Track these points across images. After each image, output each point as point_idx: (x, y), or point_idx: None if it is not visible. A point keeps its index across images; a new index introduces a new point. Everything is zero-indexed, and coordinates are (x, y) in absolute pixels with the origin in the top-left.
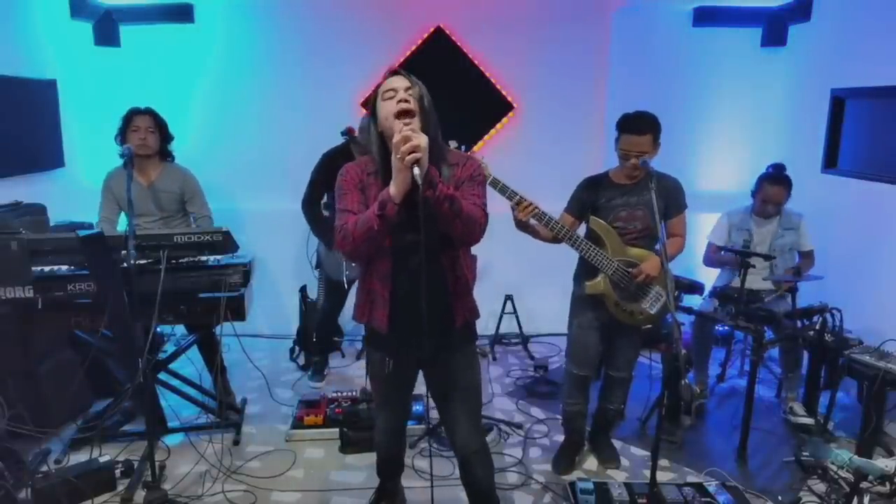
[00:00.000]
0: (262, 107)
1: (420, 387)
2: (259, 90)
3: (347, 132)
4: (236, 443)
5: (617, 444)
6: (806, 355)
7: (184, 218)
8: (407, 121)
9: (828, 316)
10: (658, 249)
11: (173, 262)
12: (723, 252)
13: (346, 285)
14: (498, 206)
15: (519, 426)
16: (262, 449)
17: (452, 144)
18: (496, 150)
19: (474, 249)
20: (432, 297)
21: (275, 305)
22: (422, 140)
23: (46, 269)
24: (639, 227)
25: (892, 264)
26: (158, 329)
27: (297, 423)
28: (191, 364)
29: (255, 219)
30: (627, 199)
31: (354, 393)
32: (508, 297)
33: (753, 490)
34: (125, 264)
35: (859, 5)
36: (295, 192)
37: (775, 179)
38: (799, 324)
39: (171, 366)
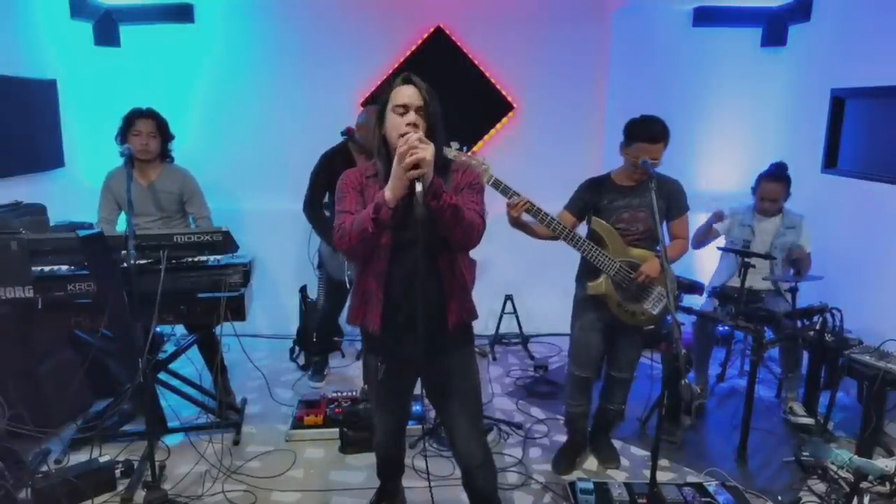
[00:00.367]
0: (263, 106)
1: (419, 387)
2: (259, 90)
3: (347, 132)
4: (236, 443)
5: (617, 444)
6: (806, 355)
7: (183, 218)
8: (416, 133)
9: (828, 316)
10: (660, 251)
11: (173, 262)
12: (721, 249)
13: (347, 285)
14: (499, 207)
15: (519, 426)
16: (262, 449)
17: (454, 146)
18: (496, 150)
19: (474, 251)
20: (427, 297)
21: (275, 305)
22: (427, 153)
23: (46, 269)
24: (641, 228)
25: (892, 264)
26: (158, 329)
27: (297, 423)
28: (191, 364)
29: (255, 219)
30: (630, 201)
31: (354, 393)
32: (508, 297)
33: (753, 490)
34: (125, 264)
35: (859, 5)
36: (295, 192)
37: (773, 177)
38: (799, 324)
39: (171, 366)
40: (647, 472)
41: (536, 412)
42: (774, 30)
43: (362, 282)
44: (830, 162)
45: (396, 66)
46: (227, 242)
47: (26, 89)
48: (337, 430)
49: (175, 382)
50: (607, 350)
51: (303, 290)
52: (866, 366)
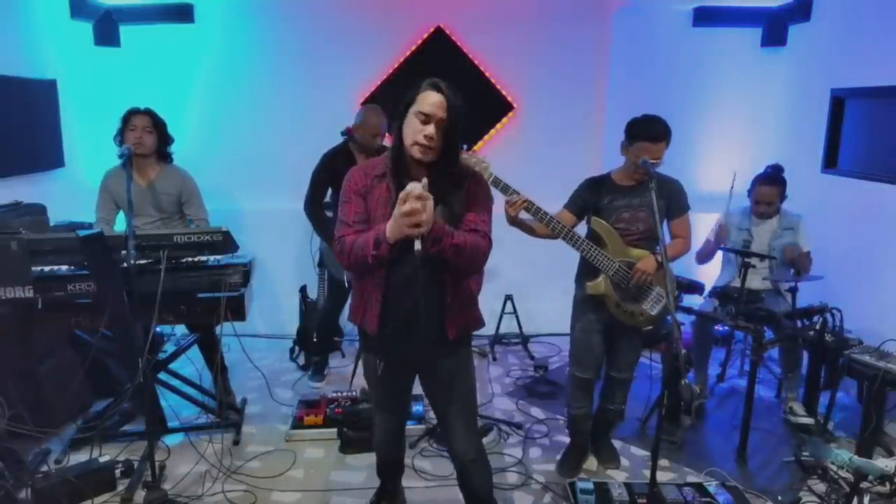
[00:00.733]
0: (262, 106)
1: (419, 387)
2: (259, 90)
3: (347, 132)
4: (236, 443)
5: (617, 444)
6: (806, 355)
7: (181, 220)
8: (419, 192)
9: (828, 316)
10: (659, 251)
11: (173, 262)
12: (722, 249)
13: (346, 284)
14: (499, 207)
15: (519, 426)
16: (262, 449)
17: None
18: (496, 150)
19: None
20: (428, 308)
21: (274, 305)
22: (426, 214)
23: (46, 269)
24: (641, 228)
25: (892, 264)
26: (158, 329)
27: (297, 423)
28: (191, 364)
29: (254, 219)
30: (630, 201)
31: (354, 393)
32: (508, 297)
33: (753, 490)
34: (125, 264)
35: (859, 5)
36: (294, 192)
37: (768, 180)
38: (799, 324)
39: (171, 366)
40: (647, 472)
41: (536, 412)
42: (774, 30)
43: (361, 283)
44: (830, 162)
45: (396, 66)
46: (227, 242)
47: (26, 89)
48: (337, 430)
49: (175, 382)
50: (607, 351)
51: (303, 290)
52: (866, 366)
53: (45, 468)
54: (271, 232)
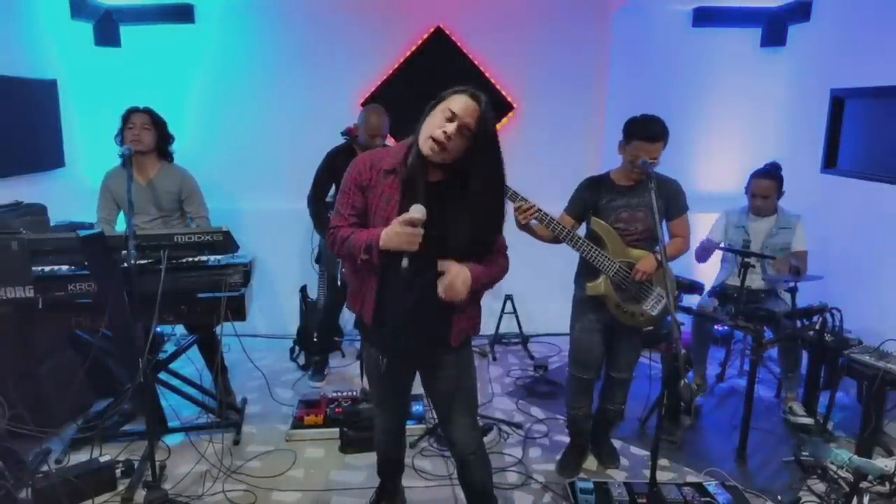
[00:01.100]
0: (263, 107)
1: (420, 387)
2: (259, 90)
3: (347, 132)
4: (236, 443)
5: (617, 444)
6: (805, 355)
7: (182, 218)
8: (412, 230)
9: (827, 316)
10: (658, 251)
11: (174, 262)
12: (722, 248)
13: (338, 282)
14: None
15: (519, 426)
16: (262, 449)
17: None
18: None
19: None
20: (426, 302)
21: (274, 305)
22: (414, 243)
23: (47, 269)
24: (640, 228)
25: (892, 264)
26: (159, 329)
27: (298, 423)
28: (191, 364)
29: (255, 219)
30: (629, 201)
31: (354, 393)
32: (508, 297)
33: (753, 490)
34: (125, 264)
35: (859, 5)
36: (294, 192)
37: (763, 174)
38: (799, 324)
39: (172, 366)
40: (647, 472)
41: (536, 412)
42: (774, 30)
43: (357, 275)
44: (830, 162)
45: (396, 66)
46: (227, 242)
47: (27, 89)
48: (337, 429)
49: (175, 382)
50: (607, 351)
51: (303, 290)
52: (866, 366)
53: (45, 468)
54: (271, 232)
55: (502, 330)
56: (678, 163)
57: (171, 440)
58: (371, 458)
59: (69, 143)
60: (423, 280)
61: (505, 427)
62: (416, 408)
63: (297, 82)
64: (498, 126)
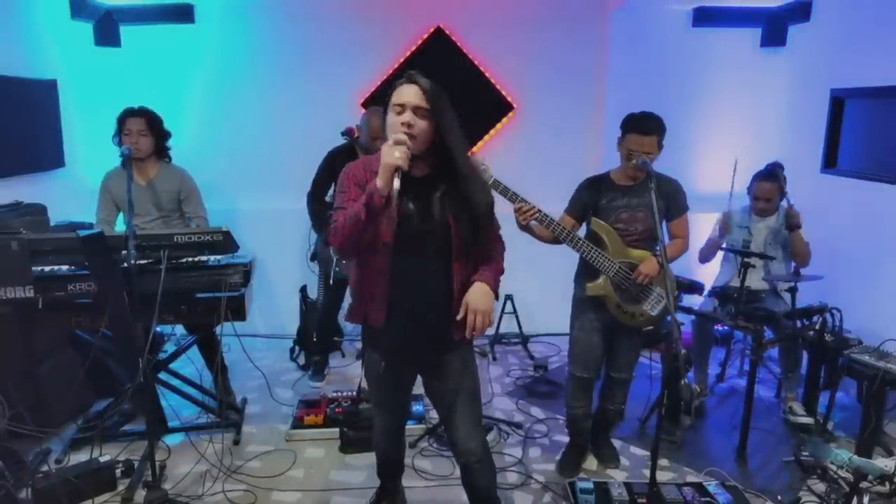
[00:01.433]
0: (263, 107)
1: (420, 387)
2: (259, 90)
3: (347, 133)
4: (236, 443)
5: (617, 443)
6: (806, 355)
7: (181, 218)
8: (400, 137)
9: (827, 316)
10: (658, 251)
11: (174, 262)
12: (722, 249)
13: (331, 281)
14: (499, 207)
15: (519, 426)
16: (262, 449)
17: None
18: (496, 151)
19: None
20: (433, 302)
21: (274, 305)
22: (399, 160)
23: (47, 269)
24: (640, 228)
25: (892, 264)
26: (159, 329)
27: (298, 423)
28: (191, 364)
29: (255, 219)
30: (629, 201)
31: (354, 393)
32: (508, 297)
33: (753, 490)
34: (125, 264)
35: (859, 5)
36: (295, 192)
37: (766, 176)
38: (799, 324)
39: (172, 366)
40: (647, 472)
41: (536, 412)
42: (774, 30)
43: (364, 281)
44: (830, 162)
45: (396, 66)
46: (227, 242)
47: (26, 89)
48: (337, 429)
49: (175, 382)
50: (607, 350)
51: (303, 290)
52: (866, 366)
53: (45, 468)
54: (271, 232)
55: (502, 330)
56: (678, 163)
57: (171, 440)
58: (371, 458)
59: (69, 143)
60: (430, 278)
61: (505, 427)
62: (416, 408)
63: (297, 82)
64: (498, 126)
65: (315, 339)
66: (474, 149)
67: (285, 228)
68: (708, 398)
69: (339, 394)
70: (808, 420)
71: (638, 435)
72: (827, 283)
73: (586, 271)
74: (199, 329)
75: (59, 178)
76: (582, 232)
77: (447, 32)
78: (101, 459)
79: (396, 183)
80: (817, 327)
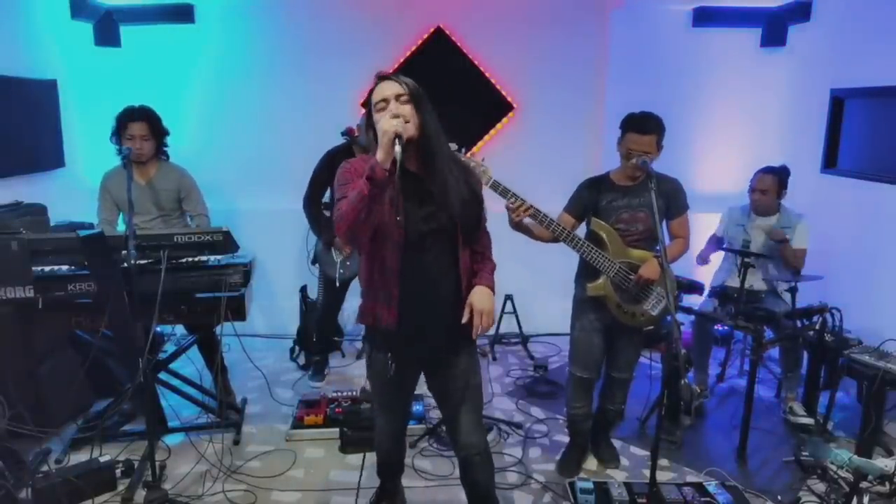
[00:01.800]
0: (262, 107)
1: (420, 387)
2: (259, 90)
3: (347, 132)
4: (236, 442)
5: (617, 443)
6: (806, 355)
7: (181, 217)
8: (396, 112)
9: (827, 316)
10: (659, 251)
11: (174, 261)
12: (723, 249)
13: (337, 283)
14: (499, 207)
15: (519, 426)
16: (262, 449)
17: (452, 147)
18: (496, 151)
19: None
20: (443, 298)
21: (274, 305)
22: (398, 126)
23: (47, 269)
24: (640, 228)
25: (892, 264)
26: (158, 329)
27: (298, 423)
28: (191, 364)
29: (254, 219)
30: (629, 201)
31: (354, 393)
32: (508, 297)
33: (753, 490)
34: (125, 264)
35: (859, 5)
36: (295, 192)
37: (768, 169)
38: (799, 324)
39: (172, 366)
40: (647, 472)
41: (536, 412)
42: (774, 30)
43: (374, 281)
44: (830, 162)
45: (396, 66)
46: (227, 242)
47: (26, 89)
48: (337, 429)
49: (175, 382)
50: (607, 350)
51: (303, 290)
52: (866, 366)
53: (45, 468)
54: (271, 232)
55: (502, 330)
56: (678, 163)
57: (171, 440)
58: (371, 457)
59: (69, 143)
60: (437, 273)
61: (505, 427)
62: (416, 408)
63: (297, 82)
64: (498, 126)
65: (315, 339)
66: (474, 149)
67: (285, 228)
68: (708, 399)
69: (339, 394)
70: (808, 420)
71: (638, 435)
72: (827, 283)
73: (587, 272)
74: (199, 329)
75: (59, 178)
76: (581, 232)
77: (447, 32)
78: (101, 459)
79: (397, 149)
80: (817, 327)
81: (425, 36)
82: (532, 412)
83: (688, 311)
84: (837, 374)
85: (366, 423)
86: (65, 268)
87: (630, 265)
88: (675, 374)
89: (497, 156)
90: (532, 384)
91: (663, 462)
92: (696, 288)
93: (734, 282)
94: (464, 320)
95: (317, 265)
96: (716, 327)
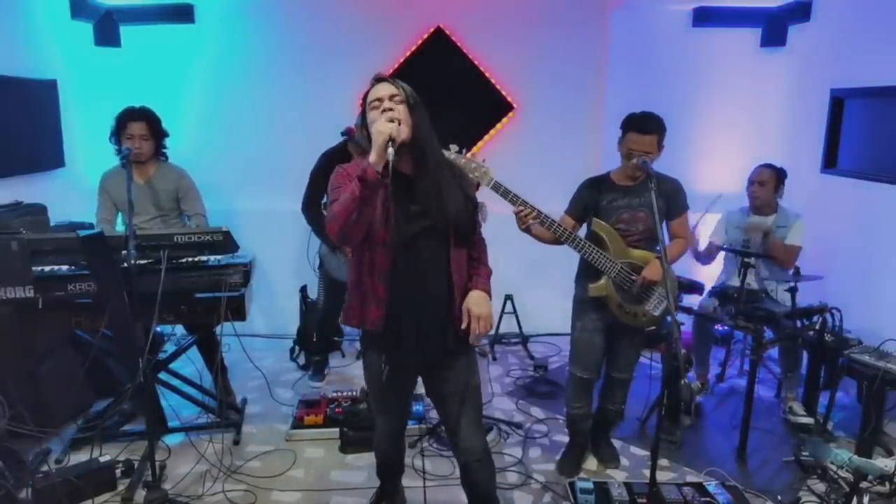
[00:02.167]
0: (262, 107)
1: (420, 387)
2: (259, 90)
3: (347, 132)
4: (236, 442)
5: (617, 443)
6: (805, 355)
7: (180, 216)
8: (389, 107)
9: (827, 316)
10: (659, 251)
11: (173, 262)
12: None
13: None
14: (498, 207)
15: (519, 426)
16: (262, 449)
17: (453, 148)
18: (496, 151)
19: None
20: (435, 298)
21: (274, 305)
22: (392, 128)
23: (47, 269)
24: (641, 228)
25: (892, 264)
26: (158, 329)
27: (298, 423)
28: (191, 364)
29: (254, 219)
30: (630, 201)
31: (354, 393)
32: (508, 297)
33: (753, 490)
34: (125, 264)
35: (859, 5)
36: (294, 192)
37: (766, 165)
38: (799, 324)
39: (172, 366)
40: (647, 472)
41: (536, 412)
42: (774, 30)
43: (361, 282)
44: (830, 162)
45: (396, 66)
46: (227, 242)
47: (26, 89)
48: (337, 429)
49: (175, 382)
50: (607, 350)
51: (303, 290)
52: (866, 366)
53: (45, 468)
54: (271, 232)
55: (502, 330)
56: (678, 163)
57: (171, 440)
58: (371, 457)
59: (69, 143)
60: (427, 278)
61: (505, 427)
62: (416, 408)
63: (297, 82)
64: (498, 126)
65: (315, 340)
66: (474, 149)
67: (285, 228)
68: (707, 397)
69: (339, 394)
70: (808, 420)
71: (638, 435)
72: (827, 283)
73: (588, 272)
74: (198, 329)
75: (59, 178)
76: (582, 232)
77: (447, 32)
78: (101, 459)
79: (390, 151)
80: (817, 327)
81: (425, 36)
82: (532, 412)
83: (688, 311)
84: (837, 374)
85: (366, 424)
86: (65, 268)
87: (631, 265)
88: (675, 374)
89: (497, 156)
90: (532, 384)
91: (663, 462)
92: (696, 288)
93: (735, 281)
94: (463, 326)
95: (321, 269)
96: (716, 327)
